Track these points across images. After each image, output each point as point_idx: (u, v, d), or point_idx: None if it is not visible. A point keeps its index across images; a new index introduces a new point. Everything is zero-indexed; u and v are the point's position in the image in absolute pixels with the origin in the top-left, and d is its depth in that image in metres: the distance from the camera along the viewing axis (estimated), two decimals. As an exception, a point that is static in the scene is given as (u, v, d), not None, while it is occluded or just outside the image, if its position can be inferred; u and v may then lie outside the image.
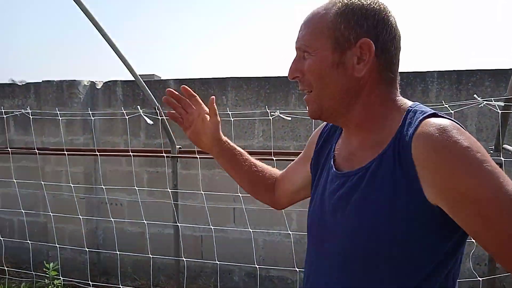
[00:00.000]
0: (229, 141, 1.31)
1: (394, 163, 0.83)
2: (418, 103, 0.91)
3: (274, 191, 1.28)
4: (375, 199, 0.84)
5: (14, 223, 4.57)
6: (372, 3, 0.89)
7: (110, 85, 4.24)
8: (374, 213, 0.84)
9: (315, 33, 0.90)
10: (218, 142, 1.28)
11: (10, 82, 4.83)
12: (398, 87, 0.94)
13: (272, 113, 2.61)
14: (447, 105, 2.33)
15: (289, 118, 2.55)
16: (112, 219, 3.58)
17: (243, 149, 4.05)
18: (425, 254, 0.82)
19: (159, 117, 3.20)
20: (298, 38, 0.94)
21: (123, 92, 4.18)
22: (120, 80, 4.23)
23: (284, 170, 1.29)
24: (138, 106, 3.22)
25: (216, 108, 1.26)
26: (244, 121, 3.76)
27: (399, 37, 0.92)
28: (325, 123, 1.10)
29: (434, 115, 0.85)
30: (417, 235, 0.81)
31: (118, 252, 3.62)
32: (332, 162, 0.99)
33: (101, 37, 2.76)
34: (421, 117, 0.84)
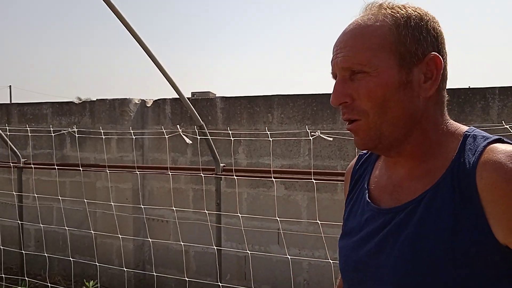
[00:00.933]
0: None
1: (453, 195, 0.72)
2: (474, 128, 0.80)
3: None
4: (431, 237, 0.73)
5: (66, 237, 4.73)
6: (427, 14, 0.79)
7: (159, 103, 4.32)
8: (429, 255, 0.72)
9: (372, 48, 0.77)
10: None
11: (77, 101, 5.06)
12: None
13: (313, 133, 2.50)
14: (508, 126, 2.10)
15: (331, 139, 2.43)
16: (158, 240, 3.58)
17: (289, 168, 3.92)
18: None
19: (204, 136, 3.19)
20: (344, 56, 0.79)
21: (172, 110, 4.24)
22: (169, 98, 4.31)
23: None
24: (178, 126, 3.23)
25: None
26: (289, 139, 3.68)
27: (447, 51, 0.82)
28: (354, 161, 0.99)
29: (499, 140, 0.74)
30: (481, 281, 0.70)
31: (159, 275, 3.62)
32: (367, 197, 0.87)
33: (147, 56, 2.81)
34: (484, 143, 0.74)
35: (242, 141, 3.89)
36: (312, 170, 2.66)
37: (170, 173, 3.15)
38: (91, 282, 3.61)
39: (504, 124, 2.23)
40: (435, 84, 0.77)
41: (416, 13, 0.78)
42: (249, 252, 3.68)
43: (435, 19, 0.80)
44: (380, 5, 0.80)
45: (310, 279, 3.58)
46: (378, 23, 0.78)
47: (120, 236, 4.18)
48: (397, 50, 0.76)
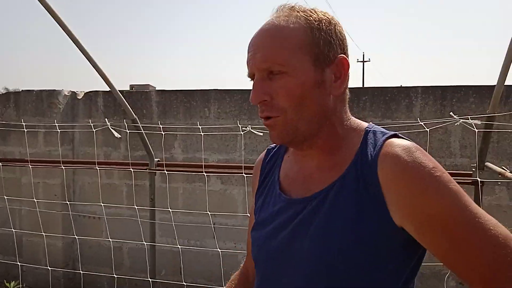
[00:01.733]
0: None
1: (358, 185, 0.79)
2: (373, 124, 0.88)
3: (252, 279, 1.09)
4: (339, 224, 0.79)
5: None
6: (333, 18, 0.85)
7: (91, 96, 4.16)
8: (338, 238, 0.78)
9: (290, 49, 0.80)
10: None
11: (3, 91, 4.73)
12: None
13: (243, 128, 2.54)
14: (422, 123, 2.26)
15: (261, 134, 2.48)
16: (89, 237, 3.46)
17: (225, 162, 3.94)
18: (391, 278, 0.78)
19: (137, 130, 3.11)
20: (262, 56, 0.81)
21: (104, 103, 4.10)
22: (102, 91, 4.15)
23: (247, 253, 1.13)
24: (106, 119, 3.13)
25: None
26: (225, 134, 3.69)
27: None
28: (262, 156, 1.03)
29: (395, 135, 0.82)
30: (384, 259, 0.77)
31: (89, 273, 3.51)
32: (279, 189, 0.91)
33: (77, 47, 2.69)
34: (384, 138, 0.81)
35: (178, 135, 3.84)
36: (243, 165, 2.70)
37: (98, 168, 3.04)
38: (12, 283, 3.42)
39: (419, 121, 2.39)
40: (343, 83, 0.83)
41: (325, 17, 0.83)
42: (181, 247, 3.66)
43: (339, 23, 0.86)
44: (292, 7, 0.84)
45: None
46: (293, 25, 0.81)
47: (48, 234, 3.99)
48: (312, 51, 0.81)
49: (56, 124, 3.54)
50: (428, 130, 2.26)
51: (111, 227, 4.03)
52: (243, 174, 2.58)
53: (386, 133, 0.82)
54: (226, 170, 3.22)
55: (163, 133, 3.22)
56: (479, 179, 2.35)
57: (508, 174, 2.20)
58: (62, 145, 4.06)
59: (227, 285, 1.12)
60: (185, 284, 3.17)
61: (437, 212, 0.72)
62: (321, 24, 0.82)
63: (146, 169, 3.10)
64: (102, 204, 3.23)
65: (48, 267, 3.59)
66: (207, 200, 3.44)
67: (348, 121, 0.87)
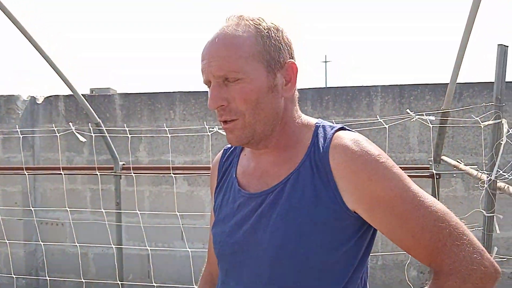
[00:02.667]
0: None
1: (313, 175, 0.85)
2: (322, 120, 0.95)
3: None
4: (297, 212, 0.84)
5: None
6: (279, 26, 0.90)
7: (51, 100, 4.06)
8: (298, 225, 0.84)
9: (245, 57, 0.84)
10: None
11: None
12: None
13: (210, 129, 2.57)
14: (381, 120, 2.36)
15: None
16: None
17: (192, 164, 3.91)
18: (347, 258, 0.85)
19: (101, 134, 3.07)
20: (218, 64, 0.85)
21: (66, 107, 4.01)
22: (63, 95, 4.06)
23: (208, 254, 1.17)
24: (70, 123, 3.09)
25: None
26: (192, 135, 3.70)
27: None
28: (218, 158, 1.07)
29: (342, 128, 0.90)
30: (340, 241, 0.84)
31: (53, 279, 3.43)
32: (237, 185, 0.96)
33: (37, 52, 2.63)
34: (333, 131, 0.88)
35: (143, 138, 3.82)
36: (211, 166, 2.72)
37: (63, 173, 2.98)
38: None
39: (378, 118, 2.49)
40: (293, 86, 0.90)
41: (273, 25, 0.89)
42: (150, 248, 3.63)
43: (284, 30, 0.91)
44: (241, 16, 0.89)
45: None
46: (245, 34, 0.86)
47: (8, 242, 3.86)
48: (264, 58, 0.86)
49: (18, 130, 3.43)
50: (387, 126, 2.36)
51: (76, 233, 3.94)
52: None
53: (334, 127, 0.90)
54: (194, 172, 3.23)
55: (129, 135, 3.19)
56: (434, 172, 2.47)
57: (462, 166, 2.33)
58: (22, 151, 3.95)
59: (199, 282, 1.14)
60: (155, 285, 3.15)
61: (384, 194, 0.80)
62: (270, 32, 0.87)
63: (111, 173, 3.06)
64: (68, 209, 3.17)
65: (12, 275, 3.48)
66: (175, 201, 3.44)
67: (299, 119, 0.93)
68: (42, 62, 2.65)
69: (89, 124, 3.28)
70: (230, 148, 1.05)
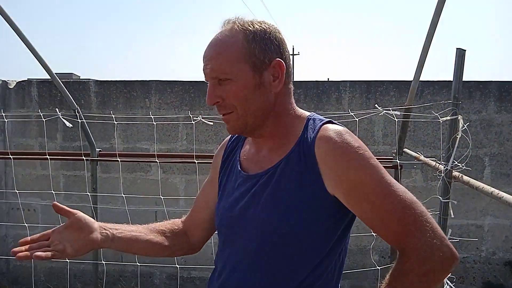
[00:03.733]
0: (112, 228, 1.13)
1: (300, 161, 0.97)
2: (314, 113, 1.07)
3: (188, 236, 1.25)
4: (285, 191, 0.97)
5: None
6: (270, 26, 1.02)
7: (24, 85, 4.03)
8: (285, 203, 0.96)
9: (231, 60, 0.98)
10: (104, 240, 1.11)
11: None
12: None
13: (195, 118, 2.67)
14: (352, 113, 2.55)
15: (211, 123, 2.64)
16: (27, 225, 3.39)
17: (167, 152, 4.00)
18: (324, 236, 0.98)
19: (78, 120, 3.11)
20: (211, 68, 0.99)
21: (39, 92, 4.00)
22: (36, 80, 4.04)
23: (190, 211, 1.27)
24: (57, 109, 3.12)
25: (68, 210, 1.12)
26: (167, 124, 3.78)
27: (289, 51, 1.06)
28: (227, 139, 1.21)
29: (330, 122, 1.02)
30: (320, 221, 0.96)
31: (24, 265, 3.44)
32: (239, 167, 1.09)
33: (14, 32, 2.65)
34: (320, 124, 1.00)
35: (118, 126, 3.86)
36: (194, 154, 2.83)
37: (48, 158, 3.02)
38: None
39: (349, 112, 2.68)
40: (281, 82, 1.01)
41: (261, 27, 1.00)
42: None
43: (277, 29, 1.03)
44: (234, 22, 1.02)
45: (186, 256, 3.76)
46: (233, 39, 0.99)
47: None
48: (250, 59, 0.98)
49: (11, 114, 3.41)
50: (357, 120, 2.54)
51: (47, 219, 3.96)
52: (195, 161, 2.70)
53: (322, 120, 1.02)
54: (176, 160, 3.32)
55: (119, 122, 3.25)
56: (400, 162, 2.68)
57: (422, 157, 2.55)
58: (-8, 135, 3.91)
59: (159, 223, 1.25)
60: (129, 270, 3.24)
61: (360, 181, 0.92)
62: (256, 36, 0.99)
63: (92, 159, 3.11)
64: (38, 192, 3.19)
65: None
66: (151, 189, 3.52)
67: (293, 111, 1.06)
68: (16, 46, 2.66)
69: (63, 111, 3.31)
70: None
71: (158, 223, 1.25)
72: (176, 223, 1.27)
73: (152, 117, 3.13)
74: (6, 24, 2.61)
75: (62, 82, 3.07)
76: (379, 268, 2.79)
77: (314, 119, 1.03)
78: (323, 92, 3.71)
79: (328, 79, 3.96)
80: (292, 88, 1.07)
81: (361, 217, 0.95)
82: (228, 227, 1.07)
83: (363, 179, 0.92)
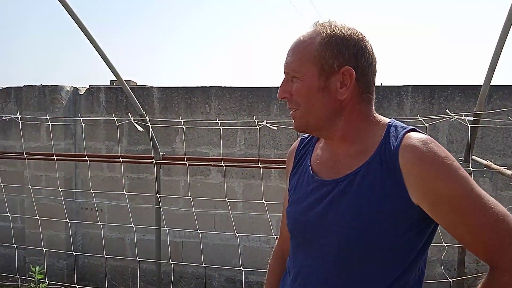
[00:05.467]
0: None
1: (382, 170, 0.96)
2: (394, 119, 1.05)
3: (285, 254, 1.25)
4: (367, 200, 0.96)
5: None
6: (352, 34, 1.00)
7: (93, 91, 4.26)
8: (366, 212, 0.95)
9: (302, 60, 1.00)
10: None
11: None
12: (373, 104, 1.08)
13: (259, 123, 2.72)
14: (421, 119, 2.48)
15: (275, 128, 2.66)
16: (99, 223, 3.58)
17: (225, 156, 4.07)
18: (408, 247, 0.96)
19: (146, 124, 3.25)
20: (286, 63, 1.04)
21: (106, 98, 4.22)
22: (103, 86, 4.27)
23: (280, 231, 1.30)
24: (129, 114, 3.28)
25: None
26: (226, 129, 3.86)
27: (375, 62, 1.04)
28: (296, 144, 1.22)
29: (413, 130, 0.99)
30: (402, 230, 0.95)
31: (91, 263, 3.62)
32: (311, 172, 1.09)
33: (88, 42, 2.82)
34: (404, 131, 0.98)
35: (179, 130, 3.99)
36: (259, 159, 2.88)
37: (121, 161, 3.18)
38: (37, 268, 3.54)
39: (418, 117, 2.60)
40: (348, 90, 1.00)
41: (341, 33, 1.00)
42: (185, 239, 3.80)
43: (362, 38, 1.01)
44: (320, 24, 1.04)
45: (245, 260, 3.81)
46: (310, 40, 1.01)
47: (51, 225, 4.09)
48: (318, 62, 1.00)
49: (73, 118, 3.64)
50: (427, 125, 2.47)
51: (113, 218, 4.16)
52: (259, 166, 2.74)
53: (405, 127, 1.00)
54: (241, 164, 3.39)
55: (184, 127, 3.38)
56: (471, 169, 2.57)
57: (494, 166, 2.43)
58: (64, 139, 4.17)
59: (268, 270, 1.30)
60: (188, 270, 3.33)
61: (448, 192, 0.89)
62: (331, 40, 0.99)
63: (156, 162, 3.24)
64: (109, 197, 3.36)
65: (55, 258, 3.69)
66: (210, 192, 3.60)
67: (372, 117, 1.05)
68: (87, 53, 2.83)
69: (129, 114, 3.47)
70: (307, 137, 1.20)
71: (274, 278, 1.27)
72: (278, 254, 1.28)
73: (218, 122, 3.21)
74: (78, 33, 2.78)
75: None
76: (450, 280, 2.68)
77: (396, 126, 1.01)
78: (383, 97, 3.64)
79: (381, 84, 3.86)
80: (373, 97, 1.06)
81: (448, 229, 0.93)
82: (303, 232, 1.07)
83: (452, 191, 0.90)
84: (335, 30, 1.00)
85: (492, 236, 0.88)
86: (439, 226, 0.97)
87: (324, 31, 1.01)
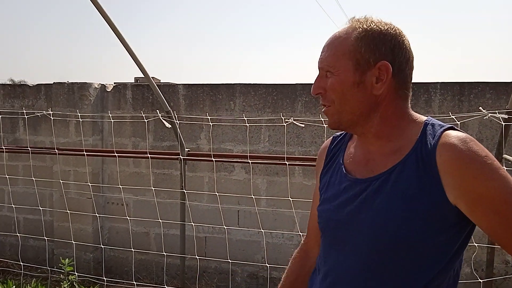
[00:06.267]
0: None
1: (418, 168, 0.93)
2: (431, 117, 1.03)
3: (309, 254, 1.26)
4: (402, 198, 0.93)
5: (20, 221, 4.64)
6: (389, 29, 0.99)
7: (120, 88, 4.34)
8: (401, 211, 0.93)
9: (337, 55, 0.99)
10: None
11: (10, 82, 4.92)
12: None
13: (286, 120, 2.71)
14: (453, 116, 2.43)
15: (303, 125, 2.66)
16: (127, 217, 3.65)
17: (249, 153, 4.07)
18: (443, 247, 0.93)
19: (173, 121, 3.29)
20: (321, 58, 1.03)
21: (133, 95, 4.28)
22: (130, 83, 4.33)
23: (308, 229, 1.29)
24: (157, 110, 3.32)
25: None
26: (250, 126, 3.86)
27: (412, 58, 1.02)
28: (328, 142, 1.20)
29: (451, 128, 0.97)
30: (439, 230, 0.92)
31: (118, 256, 3.69)
32: (344, 170, 1.07)
33: (116, 40, 2.86)
34: (441, 130, 0.95)
35: (204, 127, 4.02)
36: (285, 156, 2.88)
37: (150, 157, 3.24)
38: (67, 260, 3.63)
39: (450, 114, 2.55)
40: (384, 85, 0.98)
41: (377, 27, 0.98)
42: (208, 234, 3.82)
43: (399, 33, 1.00)
44: (357, 19, 1.02)
45: (268, 257, 3.81)
46: (346, 35, 1.00)
47: (78, 219, 4.19)
48: (354, 57, 0.98)
49: (109, 115, 3.72)
50: (458, 123, 2.42)
51: (139, 213, 4.23)
52: (286, 163, 2.74)
53: (443, 126, 0.97)
54: (268, 161, 3.40)
55: (211, 124, 3.43)
56: (504, 168, 2.51)
57: (526, 164, 2.36)
58: (92, 135, 4.26)
59: (290, 262, 1.29)
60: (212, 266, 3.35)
61: (487, 192, 0.87)
62: (367, 35, 0.98)
63: (183, 158, 3.27)
64: (135, 192, 3.42)
65: (83, 251, 3.76)
66: (234, 188, 3.62)
67: (408, 115, 1.02)
68: (115, 52, 2.88)
69: (158, 111, 3.52)
70: (340, 136, 1.18)
71: (293, 269, 1.27)
72: (301, 257, 1.27)
73: (245, 119, 3.21)
74: (105, 31, 2.83)
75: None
76: (481, 281, 2.63)
77: (433, 124, 0.99)
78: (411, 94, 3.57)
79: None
80: (409, 94, 1.04)
81: (487, 230, 0.90)
82: (335, 230, 1.05)
83: (492, 191, 0.87)
84: (372, 25, 0.99)
85: None
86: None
87: (360, 26, 0.99)
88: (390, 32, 0.99)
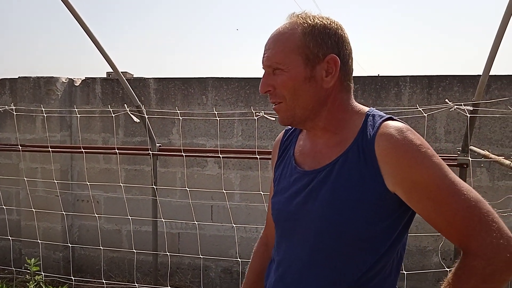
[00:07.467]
0: None
1: (359, 158, 0.97)
2: (373, 108, 1.06)
3: (269, 244, 1.27)
4: (344, 188, 0.97)
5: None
6: (331, 23, 1.02)
7: (88, 83, 4.23)
8: (343, 200, 0.97)
9: (286, 51, 1.00)
10: None
11: None
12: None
13: (257, 114, 2.70)
14: (420, 109, 2.46)
15: (274, 119, 2.64)
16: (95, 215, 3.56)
17: (222, 147, 4.06)
18: (385, 233, 0.97)
19: (143, 115, 3.22)
20: (267, 56, 1.03)
21: (102, 89, 4.18)
22: (99, 78, 4.23)
23: (266, 221, 1.31)
24: (125, 105, 3.25)
25: None
26: (223, 120, 3.83)
27: (352, 50, 1.06)
28: (281, 135, 1.22)
29: (390, 118, 1.00)
30: (380, 217, 0.96)
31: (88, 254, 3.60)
32: (294, 163, 1.10)
33: (83, 33, 2.78)
34: (380, 120, 0.99)
35: (176, 121, 3.96)
36: (256, 150, 2.86)
37: (117, 152, 3.15)
38: (33, 260, 3.52)
39: (417, 107, 2.59)
40: (334, 78, 1.01)
41: (321, 22, 1.01)
42: (182, 230, 3.78)
43: (340, 26, 1.03)
44: (298, 15, 1.04)
45: (242, 251, 3.80)
46: (291, 31, 1.01)
47: (47, 217, 4.07)
48: (303, 52, 1.00)
49: (76, 109, 3.61)
50: (426, 115, 2.45)
51: (110, 210, 4.14)
52: (257, 157, 2.73)
53: (383, 116, 1.01)
54: (240, 155, 3.37)
55: (181, 118, 3.38)
56: (470, 159, 2.56)
57: (492, 156, 2.42)
58: (60, 131, 4.14)
59: (251, 256, 1.32)
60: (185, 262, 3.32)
61: (422, 179, 0.91)
62: (314, 30, 1.00)
63: (153, 153, 3.21)
64: (101, 184, 3.34)
65: (51, 250, 3.67)
66: (207, 184, 3.59)
67: (351, 107, 1.05)
68: (82, 44, 2.79)
69: (125, 105, 3.44)
70: (291, 129, 1.20)
71: (256, 263, 1.30)
72: (263, 250, 1.29)
73: (216, 112, 3.18)
74: (72, 24, 2.75)
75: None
76: (447, 270, 2.68)
77: (373, 115, 1.02)
78: (381, 88, 3.61)
79: (378, 74, 3.84)
80: (352, 86, 1.06)
81: (423, 215, 0.93)
82: (285, 221, 1.08)
83: (425, 178, 0.91)
84: (316, 20, 1.01)
85: (465, 221, 0.89)
86: None
87: (305, 21, 1.01)
88: (333, 26, 1.02)
